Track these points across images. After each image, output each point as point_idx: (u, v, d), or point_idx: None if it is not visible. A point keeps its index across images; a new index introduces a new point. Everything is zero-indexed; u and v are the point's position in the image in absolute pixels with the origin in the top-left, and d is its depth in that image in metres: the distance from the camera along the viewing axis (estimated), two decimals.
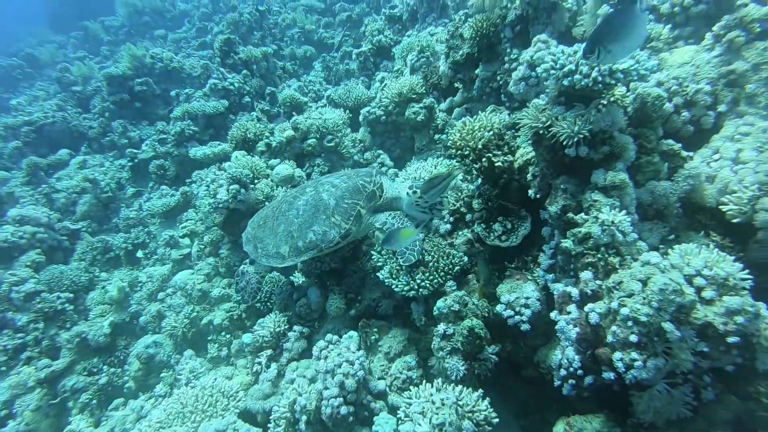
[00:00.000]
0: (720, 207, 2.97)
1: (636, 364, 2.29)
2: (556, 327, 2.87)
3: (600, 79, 2.67)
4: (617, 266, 2.62)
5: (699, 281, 2.39)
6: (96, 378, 6.05)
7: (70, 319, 6.75)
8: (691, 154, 3.26)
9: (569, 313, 2.77)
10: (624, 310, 2.34)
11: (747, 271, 2.45)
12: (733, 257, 2.52)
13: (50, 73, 17.43)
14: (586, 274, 2.71)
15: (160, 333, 6.37)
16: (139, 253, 8.45)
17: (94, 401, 5.87)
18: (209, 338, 6.07)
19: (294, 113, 9.31)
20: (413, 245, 3.95)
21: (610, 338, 2.45)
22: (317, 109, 8.40)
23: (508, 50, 5.25)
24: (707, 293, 2.35)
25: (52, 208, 9.61)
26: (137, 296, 7.18)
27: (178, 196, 9.16)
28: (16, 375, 6.25)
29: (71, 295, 7.01)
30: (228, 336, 5.93)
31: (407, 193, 4.24)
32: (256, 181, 6.52)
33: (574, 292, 2.80)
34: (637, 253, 2.71)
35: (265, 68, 11.34)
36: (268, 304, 5.47)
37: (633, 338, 2.30)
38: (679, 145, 3.20)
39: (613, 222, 2.65)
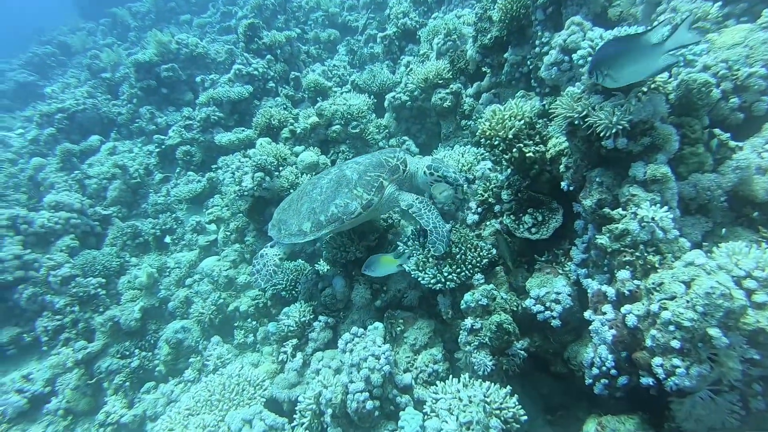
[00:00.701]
0: None
1: (678, 371, 2.17)
2: (590, 327, 2.75)
3: None
4: (657, 265, 2.47)
5: (749, 284, 2.23)
6: (128, 361, 6.23)
7: (102, 303, 6.95)
8: (740, 143, 3.04)
9: (604, 313, 2.65)
10: (665, 314, 2.20)
11: None
12: None
13: (81, 59, 17.77)
14: (623, 273, 2.58)
15: (188, 318, 6.50)
16: (167, 239, 8.60)
17: (128, 383, 6.05)
18: (236, 324, 6.17)
19: (318, 98, 9.25)
20: (442, 236, 3.86)
21: (649, 342, 2.32)
22: (342, 94, 8.29)
23: (539, 33, 5.02)
24: (759, 297, 2.19)
25: (84, 194, 9.89)
26: (166, 282, 7.33)
27: (205, 182, 9.28)
28: (56, 355, 6.50)
29: (103, 280, 7.19)
30: (254, 323, 6.00)
31: (423, 172, 4.17)
32: (281, 168, 6.50)
33: (610, 291, 2.66)
34: (678, 252, 2.55)
35: (289, 53, 11.26)
36: (294, 292, 5.49)
37: (675, 344, 2.17)
38: (727, 134, 2.99)
39: (653, 218, 2.49)
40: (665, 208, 2.52)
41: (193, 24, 17.97)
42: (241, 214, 6.89)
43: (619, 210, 2.70)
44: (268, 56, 10.78)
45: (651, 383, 2.38)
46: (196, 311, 6.26)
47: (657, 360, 2.28)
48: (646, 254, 2.50)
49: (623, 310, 2.50)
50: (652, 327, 2.32)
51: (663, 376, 2.24)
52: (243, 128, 9.18)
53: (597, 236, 2.82)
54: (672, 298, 2.23)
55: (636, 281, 2.52)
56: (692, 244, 2.66)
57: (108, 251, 7.94)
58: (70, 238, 7.98)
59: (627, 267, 2.59)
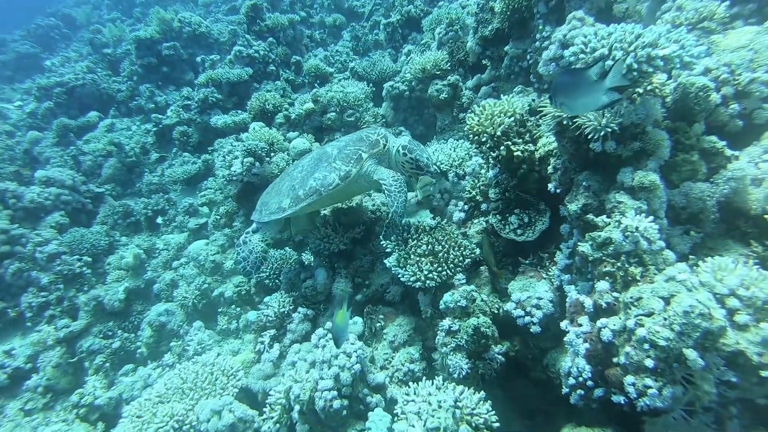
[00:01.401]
0: (766, 216, 2.63)
1: (650, 391, 2.05)
2: (565, 339, 2.64)
3: (636, 66, 2.34)
4: (638, 278, 2.35)
5: (732, 303, 2.11)
6: (110, 341, 6.18)
7: (88, 282, 6.88)
8: (737, 153, 2.89)
9: (580, 325, 2.53)
10: (641, 331, 2.09)
11: None
12: None
13: (84, 34, 17.58)
14: (602, 285, 2.45)
15: (173, 302, 6.43)
16: (159, 220, 8.52)
17: (108, 364, 6.01)
18: (220, 310, 6.10)
19: (317, 84, 9.08)
20: (396, 225, 3.86)
21: (622, 359, 2.20)
22: (339, 81, 8.12)
23: (541, 27, 4.84)
24: (741, 317, 2.07)
25: (78, 171, 9.79)
26: (154, 263, 7.27)
27: (200, 164, 9.17)
28: (38, 333, 6.45)
29: (90, 258, 7.11)
30: (238, 309, 5.93)
31: (398, 150, 4.07)
32: (272, 154, 6.38)
33: (588, 302, 2.55)
34: (662, 264, 2.42)
35: (292, 36, 11.06)
36: (278, 281, 5.41)
37: (649, 363, 2.06)
38: (723, 142, 2.83)
39: (637, 228, 2.36)
40: (651, 218, 2.38)
41: (198, 2, 17.70)
42: (230, 199, 6.79)
43: (603, 217, 2.57)
44: (270, 39, 10.58)
45: (622, 401, 2.27)
46: (180, 295, 6.19)
47: (629, 378, 2.16)
48: (627, 265, 2.38)
49: (599, 323, 2.38)
50: (627, 343, 2.20)
51: (634, 395, 2.13)
52: (239, 111, 9.04)
53: (579, 244, 2.70)
54: (649, 315, 2.11)
55: (615, 293, 2.40)
56: (678, 256, 2.53)
57: (97, 230, 7.86)
58: (59, 215, 7.90)
59: (607, 278, 2.46)
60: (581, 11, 4.20)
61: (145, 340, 6.11)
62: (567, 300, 2.81)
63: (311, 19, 13.68)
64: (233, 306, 5.97)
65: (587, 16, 4.26)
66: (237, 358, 4.79)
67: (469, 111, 5.67)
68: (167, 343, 6.05)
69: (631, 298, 2.21)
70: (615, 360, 2.31)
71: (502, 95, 5.52)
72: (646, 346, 2.06)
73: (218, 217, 7.04)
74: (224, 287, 6.20)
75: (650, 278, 2.32)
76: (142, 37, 11.68)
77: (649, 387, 2.06)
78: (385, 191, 3.91)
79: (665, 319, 2.03)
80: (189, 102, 10.21)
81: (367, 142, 4.02)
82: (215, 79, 9.78)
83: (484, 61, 5.88)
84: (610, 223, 2.51)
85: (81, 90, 12.31)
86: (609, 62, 2.42)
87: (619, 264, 2.42)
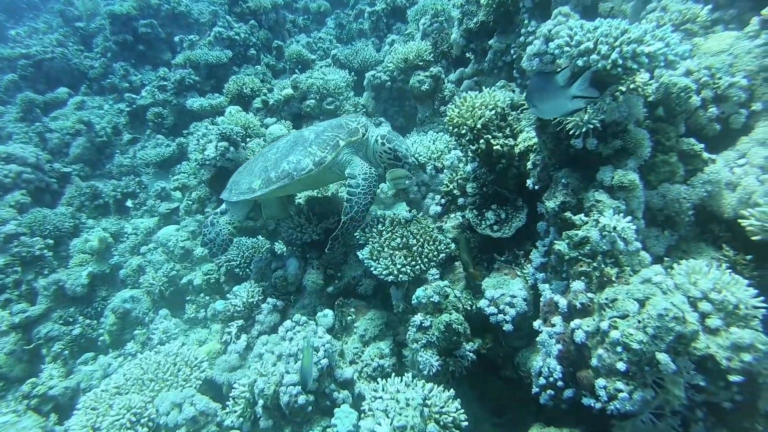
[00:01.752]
0: (739, 220, 2.63)
1: (621, 395, 2.01)
2: (537, 339, 2.59)
3: (621, 62, 2.28)
4: (614, 278, 2.31)
5: (704, 306, 2.08)
6: (70, 328, 5.92)
7: (48, 265, 6.57)
8: (714, 156, 2.88)
9: (554, 325, 2.48)
10: (614, 333, 2.04)
11: (761, 298, 2.14)
12: (747, 281, 2.21)
13: (55, 5, 16.80)
14: (577, 285, 2.40)
15: (139, 288, 6.20)
16: (129, 203, 8.22)
17: (67, 351, 5.75)
18: (188, 298, 5.91)
19: (298, 70, 8.88)
20: (345, 232, 3.75)
21: (594, 362, 2.16)
22: (320, 68, 7.94)
23: (526, 21, 4.77)
24: (713, 321, 2.05)
25: (45, 149, 9.36)
26: (121, 248, 7.00)
27: (174, 147, 8.89)
28: None
29: (51, 241, 6.80)
30: (207, 298, 5.75)
31: (376, 140, 3.92)
32: (248, 139, 6.19)
33: (562, 302, 2.50)
34: (638, 265, 2.39)
35: (274, 20, 10.79)
36: (248, 270, 5.25)
37: (620, 366, 2.02)
38: (702, 145, 2.82)
39: (614, 228, 2.32)
40: (629, 218, 2.34)
41: None
42: (203, 184, 6.57)
43: (581, 216, 2.52)
44: (252, 21, 10.31)
45: (592, 404, 2.22)
46: (147, 282, 5.97)
47: (600, 381, 2.12)
48: (603, 266, 2.33)
49: (572, 324, 2.33)
50: (600, 346, 2.16)
51: (605, 398, 2.09)
52: (216, 94, 8.76)
53: (556, 242, 2.64)
54: (624, 317, 2.06)
55: (590, 294, 2.36)
56: (653, 258, 2.51)
57: (62, 211, 7.52)
58: (20, 194, 7.54)
59: (582, 278, 2.41)
60: (567, 7, 4.15)
61: (107, 327, 5.87)
62: (541, 299, 2.76)
63: (295, 4, 13.36)
64: (202, 294, 5.79)
65: (573, 12, 4.23)
66: (202, 348, 4.64)
67: (450, 102, 5.63)
68: (131, 331, 5.82)
69: (606, 299, 2.17)
70: (588, 362, 2.27)
71: (484, 89, 5.48)
72: (619, 348, 2.02)
73: (190, 203, 6.81)
74: (193, 275, 6.00)
75: (626, 279, 2.28)
76: (117, 12, 11.23)
77: (620, 391, 2.02)
78: (348, 189, 3.73)
79: (639, 321, 1.98)
80: (165, 83, 9.87)
81: (347, 129, 3.88)
82: (193, 60, 9.48)
83: (467, 54, 5.79)
84: (587, 222, 2.47)
85: (49, 64, 11.78)
86: (581, 61, 2.38)
87: (595, 264, 2.37)
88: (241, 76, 7.60)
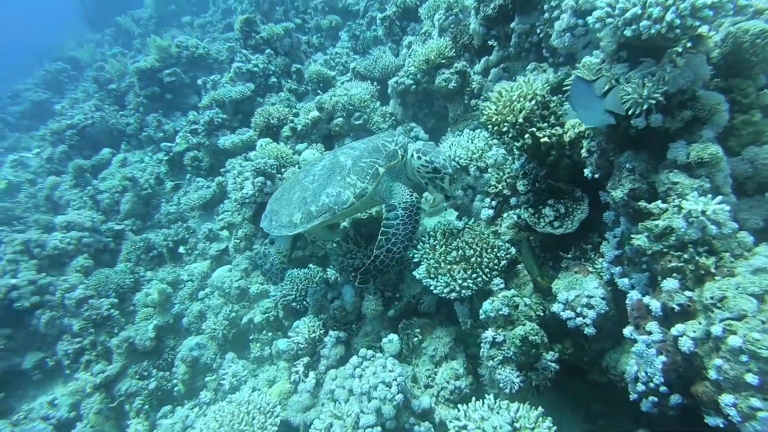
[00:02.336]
0: None
1: (760, 415, 1.69)
2: (633, 349, 2.29)
3: (678, 22, 1.97)
4: (713, 270, 1.99)
5: None
6: (146, 382, 6.07)
7: (117, 323, 6.81)
8: None
9: (650, 333, 2.18)
10: (733, 340, 1.73)
11: None
12: None
13: (89, 72, 17.77)
14: (670, 283, 2.09)
15: (203, 334, 6.28)
16: (181, 249, 8.42)
17: (147, 406, 5.90)
18: (251, 338, 5.91)
19: (320, 90, 8.84)
20: (380, 264, 3.61)
21: (712, 374, 1.85)
22: (342, 84, 7.84)
23: None
24: None
25: (98, 209, 9.81)
26: (180, 295, 7.14)
27: (214, 187, 9.03)
28: (75, 382, 6.41)
29: (116, 300, 7.04)
30: (269, 334, 5.73)
31: (412, 155, 3.74)
32: (282, 169, 6.15)
33: (655, 304, 2.19)
34: (738, 248, 2.06)
35: (289, 45, 10.83)
36: (305, 302, 5.17)
37: (750, 379, 1.70)
38: None
39: (703, 212, 2.00)
40: (718, 198, 2.01)
41: (194, 25, 17.68)
42: (247, 221, 6.60)
43: (658, 203, 2.21)
44: (268, 50, 10.38)
45: (721, 425, 1.90)
46: (209, 327, 6.03)
47: (727, 398, 1.80)
48: (697, 257, 2.02)
49: (674, 330, 2.02)
50: (715, 354, 1.84)
51: (738, 419, 1.76)
52: (246, 129, 8.85)
53: (633, 235, 2.34)
54: (740, 318, 1.75)
55: (688, 292, 2.04)
56: (754, 238, 2.15)
57: (121, 268, 7.80)
58: (83, 258, 7.89)
59: (675, 274, 2.11)
60: None
61: (180, 377, 5.97)
62: (627, 301, 2.46)
63: (306, 25, 13.43)
64: (264, 332, 5.78)
65: None
66: (273, 389, 4.57)
67: (483, 98, 5.34)
68: (202, 377, 5.89)
69: (712, 298, 1.86)
70: (702, 373, 1.95)
71: (515, 76, 5.16)
72: (744, 357, 1.71)
73: (238, 241, 6.86)
74: (252, 313, 6.00)
75: (727, 269, 1.96)
76: (142, 67, 11.65)
77: (758, 409, 1.69)
78: (385, 221, 3.59)
79: (764, 322, 1.67)
80: (196, 126, 10.09)
81: (384, 153, 3.69)
82: (218, 100, 9.63)
83: (490, 42, 5.48)
84: (667, 209, 2.16)
85: (91, 129, 12.40)
86: (629, 31, 2.14)
87: (686, 256, 2.06)
88: (266, 108, 7.62)
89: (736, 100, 2.42)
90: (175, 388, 6.00)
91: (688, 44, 2.36)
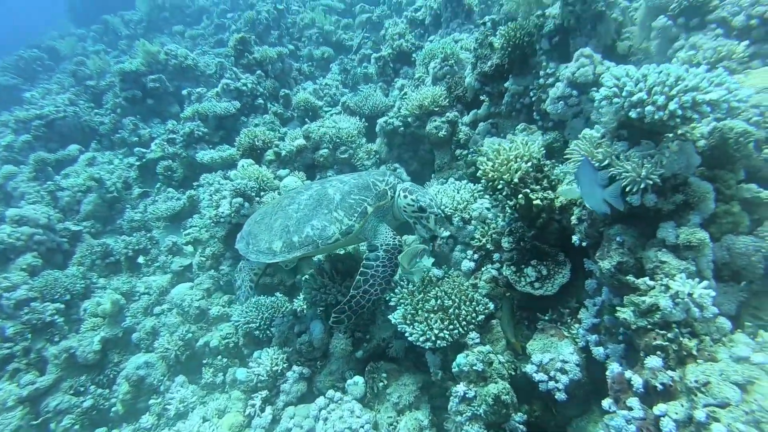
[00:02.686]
0: None
1: None
2: (611, 423, 2.30)
3: (680, 112, 2.10)
4: (694, 351, 2.05)
5: None
6: (81, 399, 5.62)
7: (59, 331, 6.33)
8: None
9: (630, 408, 2.20)
10: (717, 428, 1.77)
11: None
12: None
13: (68, 66, 17.26)
14: (653, 361, 2.14)
15: (154, 352, 5.92)
16: (141, 259, 8.04)
17: (77, 425, 5.44)
18: (205, 362, 5.61)
19: (308, 118, 8.88)
20: (348, 310, 3.59)
21: None
22: (331, 116, 7.90)
23: (544, 63, 4.67)
24: None
25: (56, 206, 9.32)
26: (133, 308, 6.76)
27: (185, 200, 8.75)
28: None
29: (62, 306, 6.59)
30: (225, 360, 5.46)
31: (399, 193, 3.78)
32: (262, 193, 6.05)
33: (637, 380, 2.22)
34: (717, 333, 2.13)
35: (280, 69, 10.91)
36: (268, 332, 4.98)
37: None
38: (767, 191, 2.61)
39: (690, 294, 2.08)
40: (705, 282, 2.10)
41: (185, 35, 17.60)
42: (216, 240, 6.39)
43: (646, 279, 2.29)
44: (259, 72, 10.41)
45: None
46: (162, 346, 5.70)
47: None
48: (681, 338, 2.08)
49: (656, 410, 2.05)
50: None
51: None
52: (227, 146, 8.73)
53: (619, 308, 2.39)
54: (724, 406, 1.80)
55: (671, 372, 2.09)
56: (730, 323, 2.24)
57: (73, 272, 7.35)
58: (32, 256, 7.39)
59: (658, 352, 2.15)
60: (589, 48, 4.06)
61: (121, 396, 5.56)
62: (608, 373, 2.48)
63: (299, 52, 13.60)
64: (219, 357, 5.50)
65: (595, 54, 4.12)
66: (224, 421, 4.32)
67: (473, 151, 5.46)
68: (146, 399, 5.51)
69: (696, 381, 1.90)
70: None
71: (503, 132, 5.33)
72: None
73: (204, 259, 6.61)
74: (210, 335, 5.72)
75: (708, 352, 2.02)
76: (126, 69, 11.43)
77: None
78: (365, 262, 3.59)
79: (747, 413, 1.71)
80: (174, 135, 9.87)
81: (374, 192, 3.70)
82: (201, 113, 9.49)
83: (482, 97, 5.69)
84: (654, 287, 2.22)
85: (61, 123, 11.92)
86: (634, 113, 2.28)
87: (670, 335, 2.11)
88: (252, 129, 7.55)
89: (720, 190, 2.57)
90: (113, 408, 5.58)
91: (678, 132, 2.52)
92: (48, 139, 11.86)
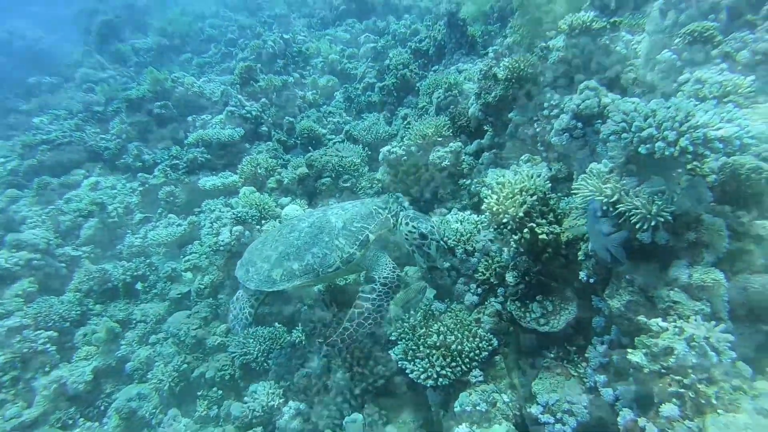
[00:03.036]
0: None
1: None
2: None
3: (692, 149, 2.05)
4: (714, 400, 1.93)
5: None
6: None
7: (50, 361, 6.16)
8: None
9: None
10: None
11: None
12: None
13: (75, 94, 17.50)
14: (669, 409, 2.02)
15: (147, 383, 5.75)
16: (139, 286, 7.92)
17: None
18: (199, 394, 5.44)
19: (311, 147, 8.90)
20: (341, 342, 3.48)
21: None
22: (334, 144, 7.92)
23: (549, 95, 4.67)
24: None
25: (57, 231, 9.27)
26: (129, 336, 6.61)
27: (185, 226, 8.69)
28: None
29: (56, 334, 6.44)
30: (220, 392, 5.30)
31: (401, 221, 3.74)
32: (263, 221, 6.00)
33: (652, 429, 2.10)
34: (736, 379, 2.02)
35: (285, 97, 11.01)
36: (265, 365, 4.83)
37: None
38: None
39: (706, 338, 1.98)
40: (722, 326, 2.00)
41: (193, 63, 17.92)
42: (216, 268, 6.31)
43: (659, 320, 2.18)
44: (263, 99, 10.52)
45: None
46: (156, 377, 5.54)
47: None
48: (698, 384, 1.96)
49: None
50: None
51: None
52: (229, 173, 8.73)
53: (630, 351, 2.28)
54: None
55: (689, 422, 1.97)
56: (742, 360, 2.12)
57: (69, 298, 7.23)
58: (28, 282, 7.30)
59: (674, 399, 2.03)
60: (593, 81, 4.05)
61: (111, 430, 5.38)
62: (619, 419, 2.35)
63: (304, 80, 13.78)
64: (215, 389, 5.34)
65: (599, 86, 4.12)
66: None
67: (478, 183, 5.41)
68: None
69: None
70: None
71: (508, 164, 5.29)
72: None
73: (202, 287, 6.51)
74: (205, 366, 5.57)
75: (727, 401, 1.91)
76: (133, 96, 11.58)
77: None
78: (361, 294, 3.52)
79: None
80: (177, 161, 9.90)
81: (377, 220, 3.65)
82: (205, 139, 9.54)
83: (485, 127, 5.69)
84: (668, 329, 2.12)
85: (68, 147, 12.01)
86: (643, 149, 2.24)
87: (687, 382, 2.00)
88: (255, 157, 7.57)
89: (731, 227, 2.49)
90: None
91: (688, 166, 2.45)
92: (53, 164, 11.93)
